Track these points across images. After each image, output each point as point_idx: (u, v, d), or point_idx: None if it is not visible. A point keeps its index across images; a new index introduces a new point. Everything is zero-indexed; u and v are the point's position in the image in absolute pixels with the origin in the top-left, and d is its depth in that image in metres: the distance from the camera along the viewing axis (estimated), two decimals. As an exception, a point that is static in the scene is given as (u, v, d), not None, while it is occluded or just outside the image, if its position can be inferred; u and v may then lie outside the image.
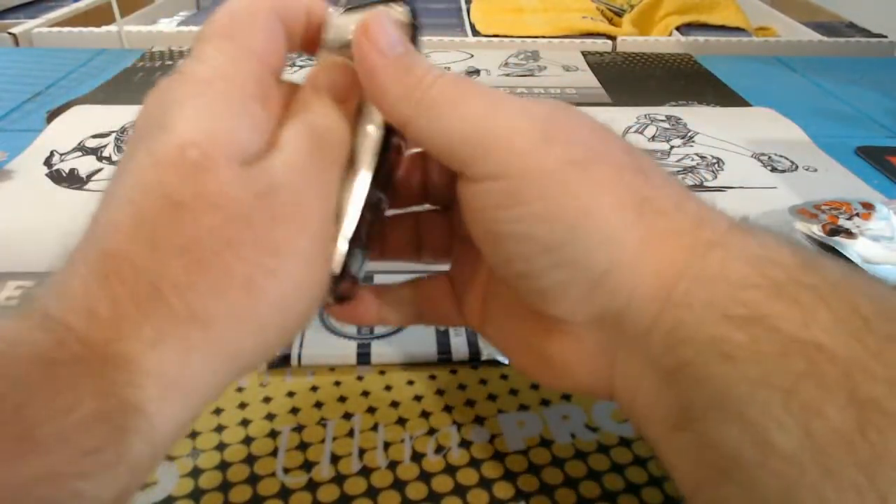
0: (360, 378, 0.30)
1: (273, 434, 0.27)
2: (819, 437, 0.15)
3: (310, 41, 0.22)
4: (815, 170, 0.52)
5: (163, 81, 0.19)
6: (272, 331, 0.18)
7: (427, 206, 0.26)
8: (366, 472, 0.26)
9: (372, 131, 0.21)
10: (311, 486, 0.25)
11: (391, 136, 0.21)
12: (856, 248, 0.39)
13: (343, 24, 0.22)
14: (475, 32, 0.88)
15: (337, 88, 0.21)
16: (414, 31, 0.21)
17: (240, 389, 0.29)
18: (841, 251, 0.38)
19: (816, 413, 0.15)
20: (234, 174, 0.17)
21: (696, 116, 0.60)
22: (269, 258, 0.18)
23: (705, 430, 0.17)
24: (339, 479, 0.25)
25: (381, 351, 0.31)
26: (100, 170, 0.49)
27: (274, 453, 0.26)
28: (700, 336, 0.17)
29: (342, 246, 0.20)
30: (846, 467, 0.15)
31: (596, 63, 0.76)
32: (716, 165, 0.51)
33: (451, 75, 0.20)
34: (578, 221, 0.18)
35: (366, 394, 0.30)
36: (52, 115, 0.58)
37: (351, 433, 0.27)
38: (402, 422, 0.28)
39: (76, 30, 0.85)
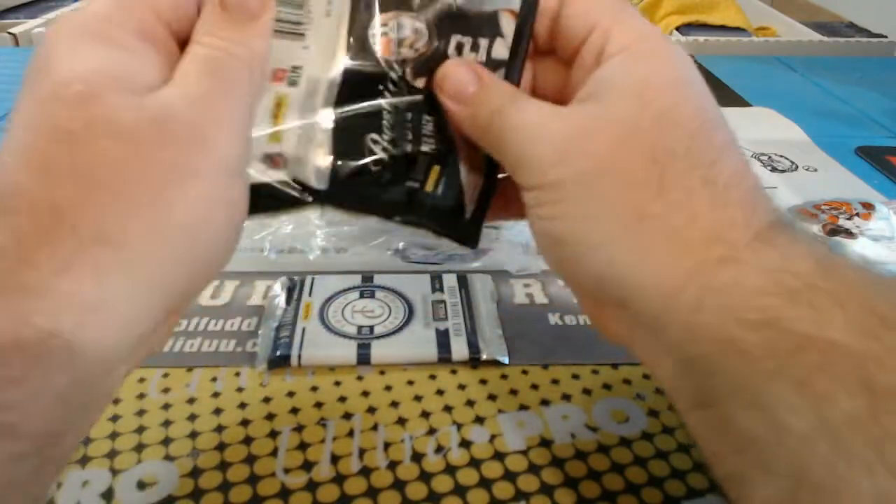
0: (360, 378, 0.30)
1: (273, 434, 0.27)
2: (831, 420, 0.16)
3: None
4: (815, 170, 0.52)
5: (49, 27, 0.20)
6: (189, 253, 0.19)
7: None
8: (366, 472, 0.26)
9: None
10: (311, 486, 0.25)
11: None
12: (856, 248, 0.39)
13: None
14: (475, 32, 0.88)
15: (244, 7, 0.21)
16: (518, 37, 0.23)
17: (240, 389, 0.29)
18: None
19: (829, 400, 0.16)
20: (123, 101, 0.18)
21: (696, 116, 0.60)
22: (171, 177, 0.18)
23: (723, 413, 0.18)
24: (339, 479, 0.25)
25: (381, 351, 0.31)
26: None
27: (274, 453, 0.26)
28: (714, 336, 0.18)
29: None
30: (857, 445, 0.15)
31: (596, 63, 0.76)
32: (716, 165, 0.51)
33: (521, 100, 0.22)
34: (579, 225, 0.21)
35: (366, 394, 0.30)
36: (52, 115, 0.57)
37: (351, 433, 0.27)
38: (402, 422, 0.28)
39: (76, 30, 0.84)
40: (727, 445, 0.18)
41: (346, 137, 0.23)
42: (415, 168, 0.24)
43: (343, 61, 0.23)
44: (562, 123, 0.21)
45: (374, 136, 0.23)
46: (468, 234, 0.24)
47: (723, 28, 0.92)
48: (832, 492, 0.16)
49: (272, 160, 0.22)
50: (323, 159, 0.23)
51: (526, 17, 0.23)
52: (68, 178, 0.17)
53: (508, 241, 0.40)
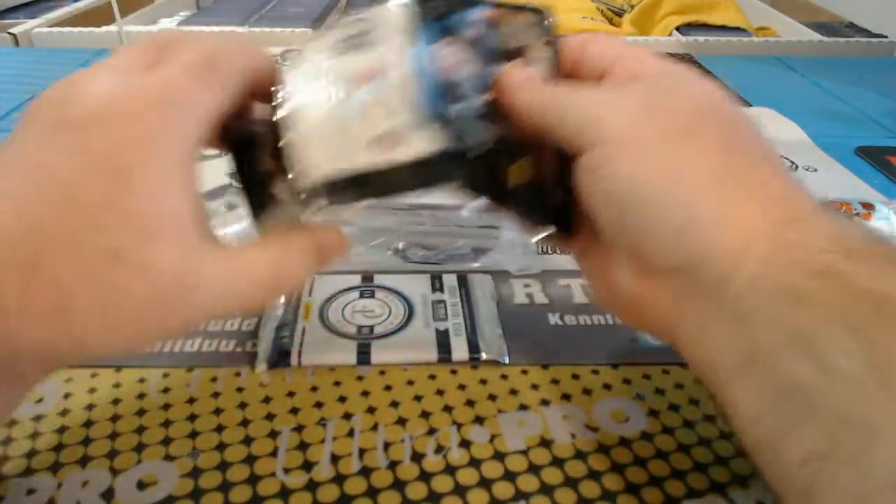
0: (360, 378, 0.30)
1: (273, 434, 0.27)
2: (880, 362, 0.17)
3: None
4: (815, 170, 0.52)
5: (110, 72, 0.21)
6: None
7: None
8: (366, 472, 0.26)
9: None
10: (311, 486, 0.25)
11: None
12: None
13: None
14: (475, 32, 0.88)
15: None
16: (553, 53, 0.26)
17: (240, 389, 0.29)
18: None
19: (879, 344, 0.17)
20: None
21: (696, 116, 0.60)
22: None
23: (773, 364, 0.19)
24: (339, 479, 0.25)
25: (381, 351, 0.31)
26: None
27: (274, 453, 0.26)
28: (775, 286, 0.19)
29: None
30: None
31: (596, 63, 0.76)
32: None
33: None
34: (662, 183, 0.21)
35: (366, 394, 0.30)
36: (52, 115, 0.58)
37: (351, 433, 0.27)
38: (402, 422, 0.28)
39: (76, 30, 0.85)
40: (771, 400, 0.19)
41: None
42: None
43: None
44: (634, 89, 0.23)
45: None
46: (561, 221, 0.27)
47: (723, 28, 0.92)
48: (873, 427, 0.16)
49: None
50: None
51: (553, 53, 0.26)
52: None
53: (508, 241, 0.40)
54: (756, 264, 0.20)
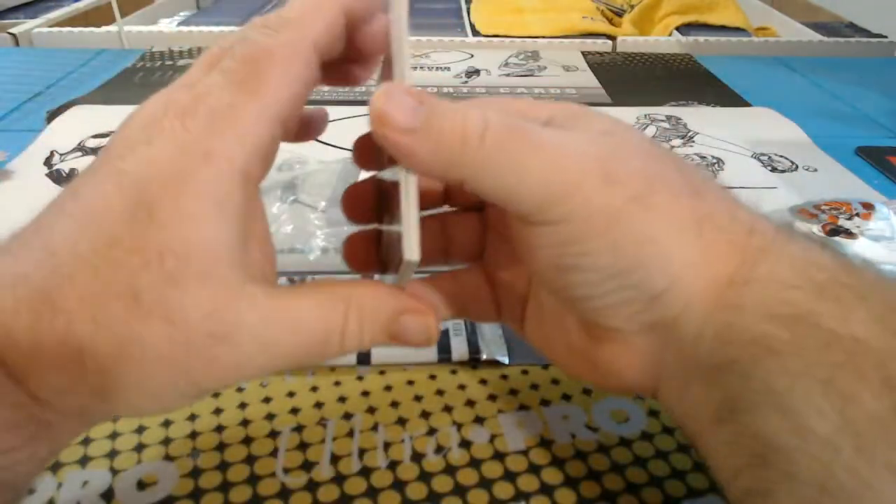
0: (360, 378, 0.30)
1: (273, 434, 0.27)
2: (855, 421, 0.16)
3: (349, 43, 0.21)
4: (815, 170, 0.52)
5: (155, 106, 0.18)
6: None
7: (447, 207, 0.25)
8: (366, 472, 0.26)
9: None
10: (311, 486, 0.25)
11: None
12: (856, 249, 0.39)
13: None
14: (475, 32, 0.88)
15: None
16: None
17: (240, 390, 0.29)
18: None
19: (853, 399, 0.16)
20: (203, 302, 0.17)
21: (696, 116, 0.60)
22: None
23: (748, 421, 0.18)
24: (339, 479, 0.25)
25: (381, 351, 0.31)
26: (100, 170, 0.49)
27: (274, 453, 0.26)
28: (747, 335, 0.18)
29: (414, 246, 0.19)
30: (880, 447, 0.16)
31: (596, 63, 0.76)
32: (716, 165, 0.51)
33: (495, 120, 0.19)
34: (643, 250, 0.19)
35: (366, 394, 0.30)
36: (52, 115, 0.58)
37: (351, 433, 0.27)
38: (402, 422, 0.28)
39: (76, 30, 0.85)
40: (748, 458, 0.18)
41: None
42: None
43: None
44: (589, 139, 0.20)
45: None
46: None
47: (723, 28, 0.92)
48: (855, 497, 0.16)
49: None
50: None
51: None
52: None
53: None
54: (727, 311, 0.19)
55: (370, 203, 0.24)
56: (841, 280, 0.18)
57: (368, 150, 0.23)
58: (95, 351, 0.16)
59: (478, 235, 0.25)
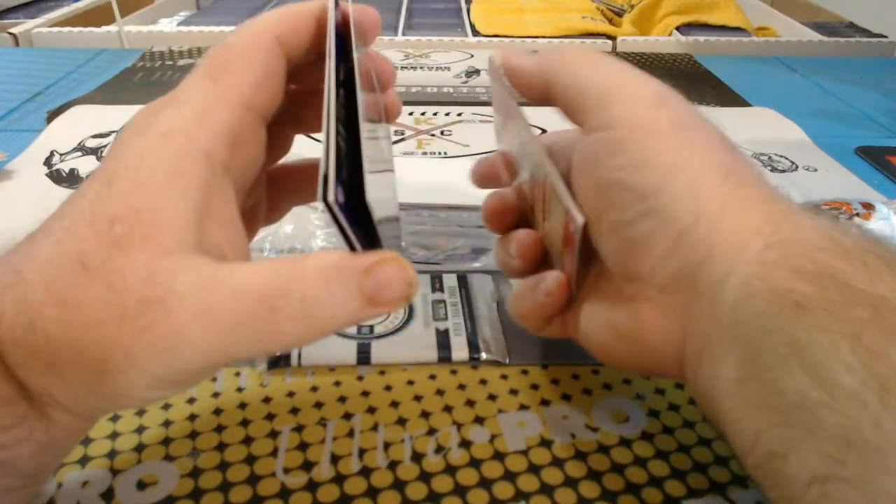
0: (360, 378, 0.30)
1: (273, 434, 0.27)
2: (881, 376, 0.16)
3: (320, 43, 0.23)
4: (815, 170, 0.52)
5: (139, 113, 0.20)
6: None
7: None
8: (366, 472, 0.26)
9: None
10: (311, 486, 0.25)
11: None
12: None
13: None
14: (475, 32, 0.88)
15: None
16: None
17: (240, 389, 0.29)
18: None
19: (880, 355, 0.16)
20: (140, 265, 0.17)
21: (696, 116, 0.60)
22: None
23: (771, 378, 0.18)
24: (339, 479, 0.25)
25: (381, 351, 0.31)
26: (100, 170, 0.49)
27: (274, 453, 0.26)
28: (773, 289, 0.19)
29: None
30: None
31: (596, 63, 0.76)
32: (716, 165, 0.51)
33: (582, 48, 0.27)
34: (671, 173, 0.21)
35: (366, 394, 0.30)
36: (52, 115, 0.58)
37: (351, 433, 0.27)
38: (402, 422, 0.28)
39: (76, 30, 0.85)
40: (772, 416, 0.18)
41: None
42: None
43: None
44: (651, 78, 0.23)
45: None
46: None
47: (723, 28, 0.92)
48: (880, 451, 0.16)
49: None
50: None
51: None
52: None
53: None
54: (751, 265, 0.19)
55: (513, 211, 0.29)
56: (866, 248, 0.19)
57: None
58: (43, 319, 0.16)
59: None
